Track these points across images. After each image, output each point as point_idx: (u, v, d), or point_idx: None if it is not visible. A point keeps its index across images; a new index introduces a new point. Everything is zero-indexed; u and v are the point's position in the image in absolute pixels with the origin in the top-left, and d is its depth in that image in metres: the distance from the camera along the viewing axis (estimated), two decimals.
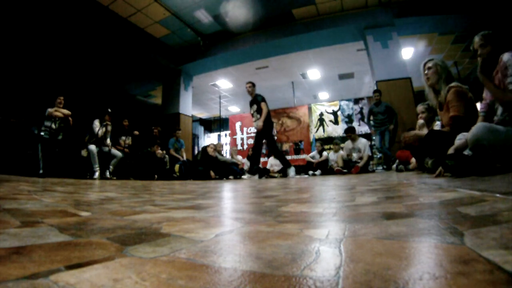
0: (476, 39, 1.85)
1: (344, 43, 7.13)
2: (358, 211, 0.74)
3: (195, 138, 12.92)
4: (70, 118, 4.95)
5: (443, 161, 1.72)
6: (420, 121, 3.82)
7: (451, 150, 1.74)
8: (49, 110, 4.80)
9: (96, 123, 5.24)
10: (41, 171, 4.44)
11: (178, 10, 6.20)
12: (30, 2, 4.99)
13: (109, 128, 5.38)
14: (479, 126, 1.48)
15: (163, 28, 6.83)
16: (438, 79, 2.27)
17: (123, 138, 5.93)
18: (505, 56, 1.65)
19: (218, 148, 7.12)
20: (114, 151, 5.37)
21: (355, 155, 5.77)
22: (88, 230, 0.57)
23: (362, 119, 9.44)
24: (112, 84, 8.33)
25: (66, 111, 4.95)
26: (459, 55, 8.23)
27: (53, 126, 4.81)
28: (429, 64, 2.33)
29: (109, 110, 5.34)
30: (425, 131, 3.53)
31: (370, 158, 5.67)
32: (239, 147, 10.13)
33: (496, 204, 0.64)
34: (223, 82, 9.77)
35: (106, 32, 6.23)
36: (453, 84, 2.18)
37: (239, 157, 7.81)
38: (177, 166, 6.39)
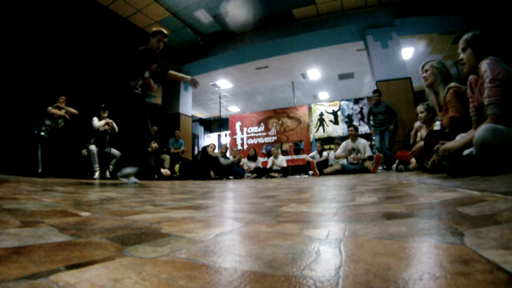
0: (459, 43, 1.84)
1: (344, 43, 7.13)
2: (358, 211, 0.74)
3: (195, 138, 12.93)
4: (68, 115, 4.97)
5: (440, 162, 1.72)
6: (417, 123, 3.82)
7: (451, 143, 1.73)
8: (49, 108, 4.81)
9: (95, 120, 5.24)
10: (40, 170, 4.44)
11: (178, 10, 6.20)
12: (31, 2, 4.99)
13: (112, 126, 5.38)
14: (485, 128, 1.47)
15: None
16: (435, 80, 2.28)
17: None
18: (483, 66, 1.62)
19: (222, 150, 7.12)
20: (114, 151, 5.37)
21: (353, 155, 5.74)
22: (88, 230, 0.57)
23: (362, 119, 9.45)
24: (112, 84, 8.36)
25: (71, 110, 4.97)
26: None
27: (53, 124, 4.82)
28: (426, 67, 2.35)
29: (103, 105, 5.36)
30: (423, 132, 3.53)
31: (370, 158, 5.64)
32: (239, 147, 10.15)
33: (496, 204, 0.64)
34: (223, 82, 9.78)
35: (106, 32, 6.23)
36: (451, 84, 2.18)
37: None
38: (177, 166, 6.39)
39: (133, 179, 2.89)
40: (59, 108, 4.92)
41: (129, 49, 3.01)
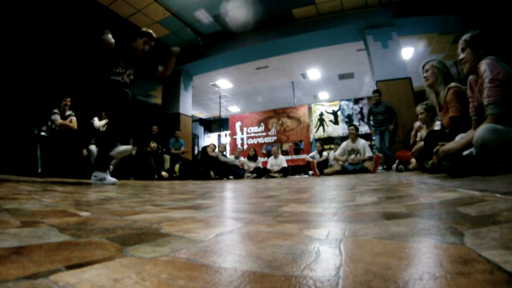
0: (459, 43, 1.85)
1: (344, 43, 7.13)
2: (358, 211, 0.74)
3: (195, 138, 12.92)
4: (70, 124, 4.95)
5: (440, 163, 1.72)
6: (417, 123, 3.82)
7: (450, 144, 1.73)
8: (58, 120, 4.78)
9: (96, 120, 5.24)
10: (39, 170, 4.44)
11: (178, 10, 6.20)
12: (31, 2, 4.99)
13: None
14: (485, 128, 1.47)
15: (163, 28, 6.83)
16: (435, 80, 2.28)
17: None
18: (482, 66, 1.62)
19: (221, 149, 7.14)
20: None
21: (353, 156, 5.75)
22: (88, 230, 0.57)
23: (362, 119, 9.45)
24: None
25: (71, 125, 4.92)
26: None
27: (54, 126, 4.82)
28: (427, 67, 2.35)
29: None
30: (423, 132, 3.53)
31: (370, 158, 5.64)
32: (238, 147, 10.16)
33: (496, 204, 0.64)
34: (223, 82, 9.78)
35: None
36: (452, 84, 2.18)
37: (241, 158, 7.81)
38: (177, 166, 6.39)
39: (110, 179, 2.76)
40: (64, 113, 4.90)
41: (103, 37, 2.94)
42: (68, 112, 5.00)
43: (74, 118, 4.99)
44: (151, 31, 2.99)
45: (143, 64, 3.08)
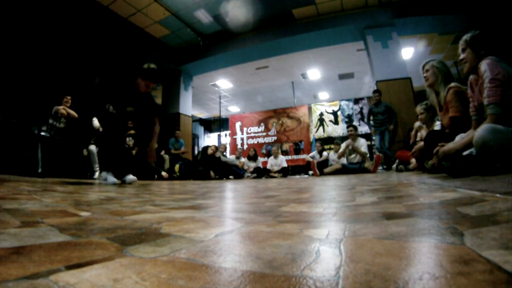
0: (459, 43, 1.85)
1: (344, 43, 7.13)
2: (358, 211, 0.74)
3: (195, 138, 12.93)
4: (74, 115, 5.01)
5: (440, 163, 1.72)
6: (417, 123, 3.82)
7: (450, 145, 1.73)
8: (57, 107, 4.84)
9: (95, 120, 5.24)
10: (40, 170, 4.44)
11: (178, 10, 6.20)
12: (31, 2, 4.99)
13: None
14: (485, 128, 1.47)
15: (163, 28, 6.83)
16: (435, 80, 2.28)
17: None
18: (483, 66, 1.62)
19: (221, 149, 7.15)
20: None
21: (353, 156, 5.76)
22: (88, 230, 0.57)
23: (362, 119, 9.45)
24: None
25: (73, 113, 4.97)
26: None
27: (58, 125, 4.84)
28: (427, 67, 2.35)
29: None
30: (423, 132, 3.53)
31: (364, 155, 5.66)
32: (239, 147, 10.16)
33: (496, 204, 0.64)
34: (223, 82, 9.78)
35: (106, 32, 6.23)
36: (452, 84, 2.18)
37: (241, 158, 7.81)
38: (177, 166, 6.39)
39: (111, 179, 2.88)
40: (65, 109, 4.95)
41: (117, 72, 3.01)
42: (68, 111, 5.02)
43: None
44: (153, 68, 2.92)
45: (145, 105, 3.13)
